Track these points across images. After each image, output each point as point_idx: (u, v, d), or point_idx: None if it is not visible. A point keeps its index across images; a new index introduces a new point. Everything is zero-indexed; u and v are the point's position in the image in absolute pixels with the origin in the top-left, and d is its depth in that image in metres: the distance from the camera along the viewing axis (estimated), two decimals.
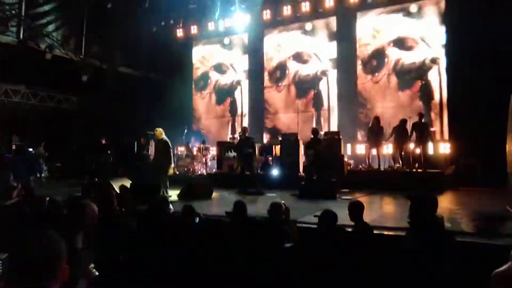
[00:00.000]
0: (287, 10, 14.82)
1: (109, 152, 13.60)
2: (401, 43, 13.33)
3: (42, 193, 6.32)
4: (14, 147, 14.73)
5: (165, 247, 4.32)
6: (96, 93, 16.71)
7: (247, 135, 10.62)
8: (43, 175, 13.37)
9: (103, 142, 12.95)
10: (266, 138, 15.06)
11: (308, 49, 15.13)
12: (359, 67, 14.03)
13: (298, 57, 15.34)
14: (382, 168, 11.28)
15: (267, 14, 15.26)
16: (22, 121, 16.10)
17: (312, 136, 10.71)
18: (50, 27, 14.58)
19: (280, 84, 15.70)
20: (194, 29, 16.88)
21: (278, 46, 15.76)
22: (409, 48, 13.20)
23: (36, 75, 14.86)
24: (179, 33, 17.23)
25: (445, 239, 3.01)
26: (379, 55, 13.72)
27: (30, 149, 14.89)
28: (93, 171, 12.94)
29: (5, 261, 1.45)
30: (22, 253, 1.50)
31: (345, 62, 14.18)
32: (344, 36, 14.25)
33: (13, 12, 13.45)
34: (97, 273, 2.92)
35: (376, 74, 13.68)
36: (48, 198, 5.29)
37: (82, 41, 15.39)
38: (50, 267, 1.50)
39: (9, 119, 15.41)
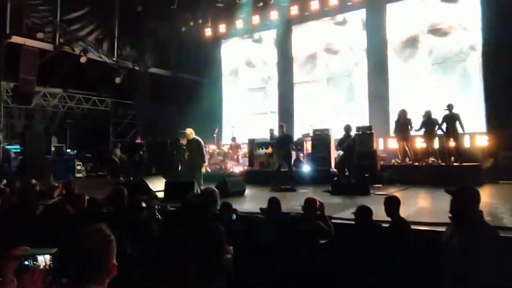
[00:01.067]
0: (315, 5, 14.65)
1: (142, 151, 13.90)
2: (435, 30, 12.85)
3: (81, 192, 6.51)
4: (53, 148, 15.30)
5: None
6: (129, 93, 17.15)
7: (284, 132, 10.58)
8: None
9: (138, 141, 13.24)
10: (296, 133, 14.94)
11: (339, 41, 14.90)
12: (391, 58, 13.67)
13: (329, 50, 15.15)
14: (416, 163, 11.02)
15: (294, 9, 15.12)
16: (59, 123, 16.73)
17: (345, 132, 10.55)
18: (84, 32, 15.05)
19: (310, 78, 15.56)
20: (222, 28, 16.97)
21: (308, 40, 15.59)
22: (444, 35, 12.67)
23: (72, 78, 15.40)
24: (208, 32, 17.35)
25: (488, 234, 2.92)
26: (412, 44, 13.33)
27: (68, 150, 15.46)
28: (128, 170, 13.26)
29: (56, 255, 1.50)
30: (75, 249, 1.53)
31: (376, 53, 13.86)
32: (375, 27, 13.96)
33: (49, 18, 13.95)
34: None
35: (409, 64, 13.30)
36: (87, 197, 5.46)
37: (115, 44, 15.81)
38: (101, 263, 1.54)
39: (48, 122, 16.04)
